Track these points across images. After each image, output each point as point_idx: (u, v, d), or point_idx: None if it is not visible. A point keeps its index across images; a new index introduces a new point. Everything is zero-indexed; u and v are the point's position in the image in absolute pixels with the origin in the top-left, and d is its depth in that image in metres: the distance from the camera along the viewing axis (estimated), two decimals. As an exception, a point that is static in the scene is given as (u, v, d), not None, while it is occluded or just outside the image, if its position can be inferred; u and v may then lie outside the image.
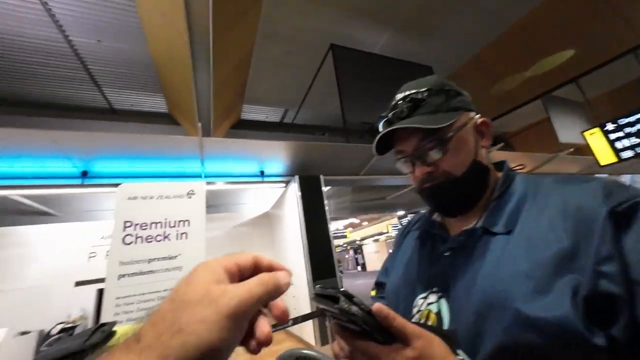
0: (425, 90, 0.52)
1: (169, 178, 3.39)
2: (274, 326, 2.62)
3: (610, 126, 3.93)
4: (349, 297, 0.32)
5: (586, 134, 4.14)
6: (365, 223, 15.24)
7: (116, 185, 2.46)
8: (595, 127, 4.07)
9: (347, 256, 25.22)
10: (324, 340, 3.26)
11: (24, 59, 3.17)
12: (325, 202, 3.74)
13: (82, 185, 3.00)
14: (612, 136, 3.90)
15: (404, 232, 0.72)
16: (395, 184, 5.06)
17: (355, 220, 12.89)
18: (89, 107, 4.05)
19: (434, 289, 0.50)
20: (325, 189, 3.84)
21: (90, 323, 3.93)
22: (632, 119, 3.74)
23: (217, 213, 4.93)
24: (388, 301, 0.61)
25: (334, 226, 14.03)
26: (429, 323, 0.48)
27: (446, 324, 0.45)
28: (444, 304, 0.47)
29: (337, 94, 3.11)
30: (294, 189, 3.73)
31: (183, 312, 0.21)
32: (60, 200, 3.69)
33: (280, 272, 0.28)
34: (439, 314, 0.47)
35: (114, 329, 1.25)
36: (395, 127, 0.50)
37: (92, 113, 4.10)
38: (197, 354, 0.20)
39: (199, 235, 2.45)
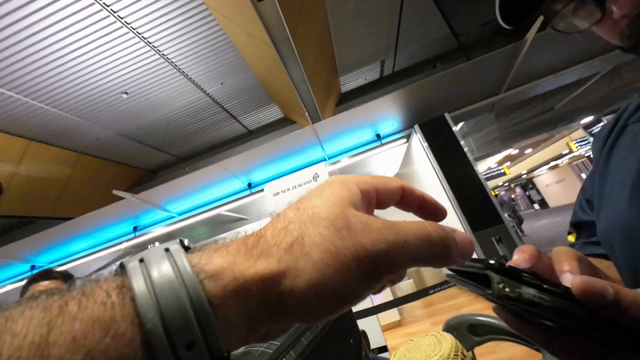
0: None
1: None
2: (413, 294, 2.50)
3: None
4: (511, 272, 0.19)
5: None
6: (528, 150, 11.93)
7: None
8: None
9: (513, 195, 20.93)
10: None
11: (188, 124, 4.43)
12: (462, 142, 3.18)
13: (251, 194, 4.01)
14: None
15: (609, 135, 0.44)
16: (563, 83, 3.63)
17: (512, 151, 10.28)
18: (236, 135, 5.22)
19: None
20: (456, 127, 3.25)
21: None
22: None
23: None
24: (606, 249, 0.39)
25: (484, 165, 11.86)
26: None
27: None
28: None
29: (433, 13, 2.51)
30: (418, 140, 3.37)
31: (307, 228, 0.17)
32: (247, 207, 4.98)
33: (461, 234, 0.19)
34: None
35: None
36: None
37: (239, 139, 5.26)
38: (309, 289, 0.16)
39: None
